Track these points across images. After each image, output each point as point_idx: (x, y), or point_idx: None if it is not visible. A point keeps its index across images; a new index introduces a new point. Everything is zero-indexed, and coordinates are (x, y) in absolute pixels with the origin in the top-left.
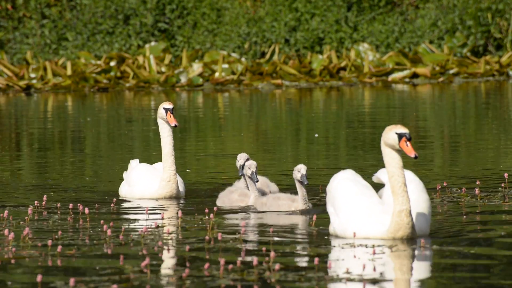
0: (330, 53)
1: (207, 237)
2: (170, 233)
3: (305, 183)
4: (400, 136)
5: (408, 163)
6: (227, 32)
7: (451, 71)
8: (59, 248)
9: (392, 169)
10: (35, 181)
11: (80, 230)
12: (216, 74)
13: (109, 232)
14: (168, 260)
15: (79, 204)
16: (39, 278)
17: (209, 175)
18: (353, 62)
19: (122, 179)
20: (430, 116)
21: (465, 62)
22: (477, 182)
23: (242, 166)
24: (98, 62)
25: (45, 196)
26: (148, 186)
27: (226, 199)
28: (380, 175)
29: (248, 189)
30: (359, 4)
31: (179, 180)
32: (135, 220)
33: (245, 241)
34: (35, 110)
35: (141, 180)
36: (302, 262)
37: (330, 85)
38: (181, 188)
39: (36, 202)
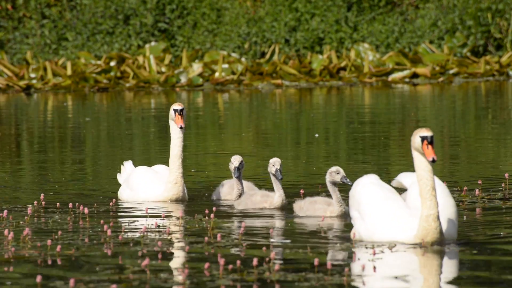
0: (330, 53)
1: (206, 238)
2: (170, 233)
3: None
4: (422, 139)
5: (408, 163)
6: (227, 32)
7: (451, 71)
8: (58, 248)
9: (421, 172)
10: (34, 181)
11: (80, 230)
12: (216, 74)
13: (109, 232)
14: (168, 260)
15: (77, 204)
16: (38, 278)
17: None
18: (353, 62)
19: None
20: (430, 116)
21: (465, 62)
22: (479, 182)
23: (238, 168)
24: (98, 62)
25: (42, 195)
26: (152, 189)
27: (249, 201)
28: (401, 179)
29: (235, 190)
30: (359, 4)
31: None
32: (135, 220)
33: (245, 241)
34: (35, 110)
35: (144, 184)
36: (302, 262)
37: (330, 85)
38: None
39: (35, 202)
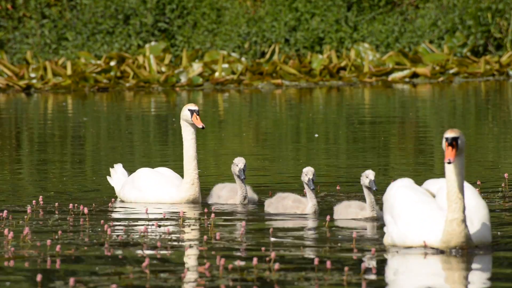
0: (330, 53)
1: (206, 237)
2: (171, 233)
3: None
4: (445, 140)
5: (408, 163)
6: (227, 32)
7: (451, 71)
8: (58, 248)
9: (448, 174)
10: (34, 181)
11: (80, 230)
12: (216, 74)
13: (109, 232)
14: (168, 260)
15: (75, 205)
16: (38, 278)
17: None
18: (353, 62)
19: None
20: (430, 116)
21: (465, 62)
22: (478, 183)
23: (243, 170)
24: (98, 62)
25: (41, 196)
26: (165, 190)
27: (280, 205)
28: (428, 186)
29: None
30: (359, 4)
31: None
32: (135, 220)
33: (245, 241)
34: (35, 110)
35: (155, 185)
36: (302, 262)
37: (330, 85)
38: None
39: (33, 202)
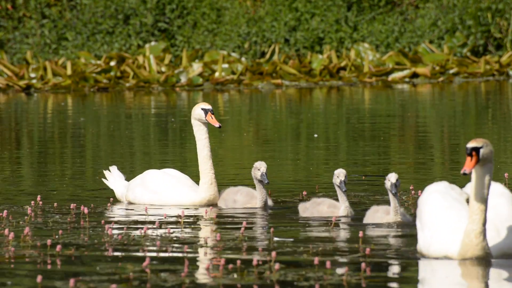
0: (330, 53)
1: (206, 237)
2: (171, 233)
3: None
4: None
5: (408, 164)
6: (227, 32)
7: (451, 71)
8: (58, 248)
9: (472, 184)
10: (34, 181)
11: (80, 230)
12: (216, 74)
13: (109, 231)
14: (168, 260)
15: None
16: (39, 278)
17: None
18: (353, 62)
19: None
20: (430, 116)
21: (465, 62)
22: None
23: (265, 174)
24: (98, 62)
25: (39, 196)
26: (184, 192)
27: (315, 210)
28: (468, 190)
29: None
30: (359, 4)
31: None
32: (135, 220)
33: (246, 241)
34: (35, 110)
35: (172, 187)
36: (302, 262)
37: (330, 85)
38: None
39: (32, 202)
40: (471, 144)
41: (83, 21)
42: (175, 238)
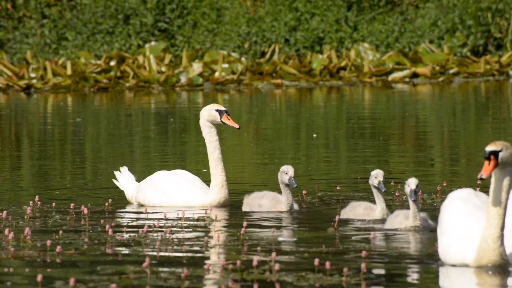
0: (330, 53)
1: (206, 238)
2: (171, 233)
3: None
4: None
5: (409, 164)
6: (227, 32)
7: (451, 71)
8: (58, 248)
9: (491, 188)
10: (34, 181)
11: (80, 230)
12: (216, 74)
13: (110, 231)
14: (168, 260)
15: (73, 204)
16: (39, 278)
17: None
18: (353, 62)
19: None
20: (430, 116)
21: (465, 61)
22: (478, 182)
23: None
24: (98, 62)
25: (37, 196)
26: (195, 194)
27: (351, 213)
28: None
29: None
30: (359, 3)
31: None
32: (135, 220)
33: (246, 241)
34: (35, 110)
35: (183, 189)
36: (302, 262)
37: (330, 85)
38: None
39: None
40: (489, 147)
41: (83, 21)
42: (175, 238)
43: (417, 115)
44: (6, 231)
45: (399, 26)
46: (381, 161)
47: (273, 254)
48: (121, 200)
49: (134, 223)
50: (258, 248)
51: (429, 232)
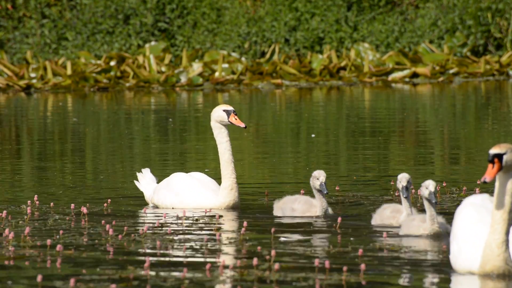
0: (330, 53)
1: (206, 237)
2: (171, 233)
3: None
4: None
5: (408, 164)
6: (227, 32)
7: (451, 71)
8: (58, 248)
9: (495, 192)
10: (34, 181)
11: (81, 230)
12: (216, 74)
13: (110, 231)
14: (168, 260)
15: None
16: (39, 278)
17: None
18: (353, 62)
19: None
20: (430, 116)
21: (465, 61)
22: (478, 182)
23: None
24: (98, 61)
25: (36, 196)
26: (205, 196)
27: (378, 217)
28: None
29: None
30: (359, 3)
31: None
32: (135, 220)
33: (246, 241)
34: (35, 110)
35: (194, 191)
36: (302, 262)
37: (330, 85)
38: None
39: (29, 202)
40: (493, 150)
41: (83, 21)
42: (175, 238)
43: (417, 115)
44: (6, 231)
45: (399, 26)
46: (381, 160)
47: (273, 252)
48: (121, 200)
49: (135, 223)
50: (259, 248)
51: (441, 237)
